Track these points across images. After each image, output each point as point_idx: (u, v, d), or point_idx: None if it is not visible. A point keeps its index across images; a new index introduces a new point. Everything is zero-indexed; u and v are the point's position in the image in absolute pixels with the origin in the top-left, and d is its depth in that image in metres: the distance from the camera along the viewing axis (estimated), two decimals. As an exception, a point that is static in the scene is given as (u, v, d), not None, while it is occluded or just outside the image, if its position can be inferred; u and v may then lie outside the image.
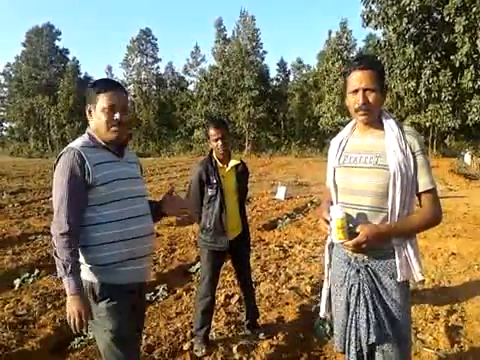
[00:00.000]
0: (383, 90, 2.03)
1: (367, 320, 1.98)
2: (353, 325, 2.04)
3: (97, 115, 2.11)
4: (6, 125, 60.79)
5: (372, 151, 2.03)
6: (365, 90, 1.96)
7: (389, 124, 2.03)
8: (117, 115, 2.10)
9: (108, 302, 2.08)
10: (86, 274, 2.08)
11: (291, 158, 35.05)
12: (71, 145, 2.10)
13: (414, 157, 1.95)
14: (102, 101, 2.09)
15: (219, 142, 3.47)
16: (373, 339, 1.96)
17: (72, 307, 1.98)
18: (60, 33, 55.81)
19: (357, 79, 1.97)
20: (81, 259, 2.07)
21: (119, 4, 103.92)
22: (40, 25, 54.45)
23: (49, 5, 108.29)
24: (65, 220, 1.99)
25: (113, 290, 2.08)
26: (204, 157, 3.74)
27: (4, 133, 60.98)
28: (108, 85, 2.15)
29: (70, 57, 55.92)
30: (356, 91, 1.98)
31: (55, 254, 2.01)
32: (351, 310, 2.05)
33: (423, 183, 1.96)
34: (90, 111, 2.15)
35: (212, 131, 3.50)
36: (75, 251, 2.01)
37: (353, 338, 2.03)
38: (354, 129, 2.19)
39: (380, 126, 2.05)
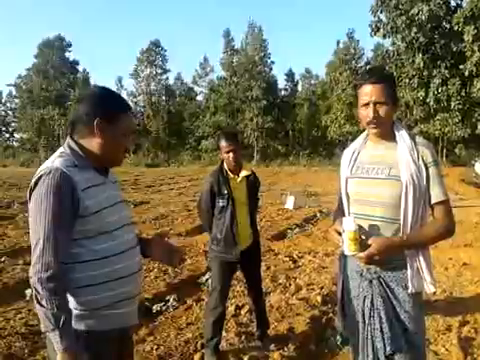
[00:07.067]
0: (394, 102, 2.04)
1: (381, 331, 1.97)
2: (369, 337, 2.02)
3: (112, 136, 1.76)
4: (17, 136, 61.47)
5: (384, 162, 2.03)
6: (376, 104, 1.97)
7: (401, 135, 2.03)
8: (131, 140, 1.85)
9: (89, 353, 1.68)
10: None
11: (300, 168, 35.03)
12: (55, 165, 1.66)
13: (426, 168, 1.95)
14: (125, 123, 1.78)
15: (231, 154, 3.48)
16: (388, 351, 1.94)
17: None
18: (70, 45, 56.34)
19: (368, 93, 1.98)
20: None
21: (129, 15, 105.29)
22: (51, 37, 55.20)
23: (60, 17, 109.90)
24: (54, 260, 1.57)
25: (95, 338, 1.72)
26: (214, 168, 3.76)
27: (15, 144, 61.57)
28: (127, 105, 1.86)
29: (80, 68, 56.72)
30: (367, 104, 1.99)
31: (38, 302, 1.58)
32: (366, 322, 2.04)
33: (436, 194, 1.96)
34: (99, 125, 1.72)
35: (223, 143, 3.51)
36: (65, 296, 1.64)
37: (370, 350, 2.01)
38: (367, 140, 2.20)
39: (392, 137, 2.06)
